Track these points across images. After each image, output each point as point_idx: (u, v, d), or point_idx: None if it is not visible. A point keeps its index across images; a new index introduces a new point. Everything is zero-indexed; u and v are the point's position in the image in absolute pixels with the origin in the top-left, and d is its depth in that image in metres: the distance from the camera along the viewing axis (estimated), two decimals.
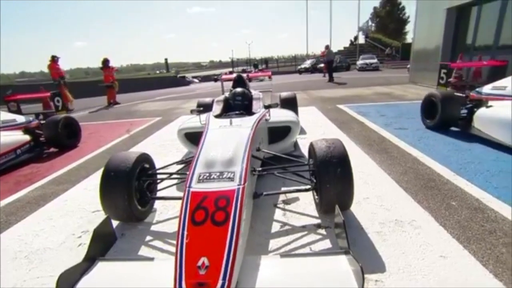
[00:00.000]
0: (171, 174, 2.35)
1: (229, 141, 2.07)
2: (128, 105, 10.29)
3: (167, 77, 29.44)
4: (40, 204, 2.76)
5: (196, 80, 33.31)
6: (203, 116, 2.90)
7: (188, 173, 1.78)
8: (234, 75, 4.22)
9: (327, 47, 14.66)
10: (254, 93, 3.57)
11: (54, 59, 9.57)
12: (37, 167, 3.95)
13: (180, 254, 1.32)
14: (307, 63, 27.45)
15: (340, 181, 1.88)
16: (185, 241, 1.36)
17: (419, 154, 3.34)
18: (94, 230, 1.65)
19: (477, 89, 3.90)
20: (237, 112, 3.02)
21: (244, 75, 4.27)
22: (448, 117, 3.98)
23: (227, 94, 3.66)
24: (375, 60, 24.33)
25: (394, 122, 4.93)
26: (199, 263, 1.27)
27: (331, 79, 13.63)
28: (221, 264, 1.26)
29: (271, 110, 2.98)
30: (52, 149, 4.68)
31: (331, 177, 1.87)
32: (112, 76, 10.49)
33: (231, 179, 1.66)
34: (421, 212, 2.12)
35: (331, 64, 14.33)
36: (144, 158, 2.20)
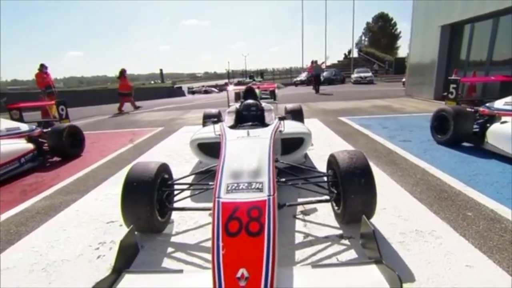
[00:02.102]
0: (191, 184, 2.34)
1: (251, 151, 2.08)
2: (126, 115, 10.26)
3: (164, 88, 29.42)
4: (50, 214, 2.70)
5: (215, 89, 31.36)
6: (216, 127, 2.92)
7: (214, 183, 1.78)
8: (243, 86, 4.27)
9: (314, 62, 15.61)
10: (265, 104, 3.61)
11: (41, 69, 9.21)
12: (41, 176, 3.88)
13: (217, 265, 1.30)
14: (303, 76, 27.89)
15: (365, 192, 1.90)
16: (221, 252, 1.35)
17: (426, 165, 3.40)
18: (120, 242, 1.63)
19: (487, 105, 3.93)
20: (250, 123, 3.04)
21: (255, 86, 4.32)
22: (461, 132, 3.98)
23: (237, 105, 3.69)
24: (369, 74, 24.90)
25: (398, 135, 5.01)
26: (238, 274, 1.26)
27: (317, 91, 14.88)
28: (261, 275, 1.26)
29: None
30: (55, 158, 4.61)
31: (356, 187, 1.89)
32: (129, 85, 11.31)
33: (260, 189, 1.67)
34: (439, 223, 2.15)
35: (318, 78, 15.43)
36: (164, 169, 2.19)
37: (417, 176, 3.12)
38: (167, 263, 1.85)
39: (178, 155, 4.32)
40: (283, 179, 2.14)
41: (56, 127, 4.62)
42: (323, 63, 15.44)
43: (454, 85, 4.58)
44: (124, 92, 11.06)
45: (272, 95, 5.69)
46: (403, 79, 15.34)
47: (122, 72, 11.13)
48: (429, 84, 9.87)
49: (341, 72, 28.83)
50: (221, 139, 2.49)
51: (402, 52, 44.19)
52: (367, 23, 47.59)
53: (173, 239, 2.12)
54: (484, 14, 7.59)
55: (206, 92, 29.64)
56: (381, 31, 45.57)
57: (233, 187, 1.69)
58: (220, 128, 2.81)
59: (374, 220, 2.16)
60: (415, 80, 10.91)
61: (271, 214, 1.50)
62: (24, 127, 4.56)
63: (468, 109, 4.12)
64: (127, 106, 11.37)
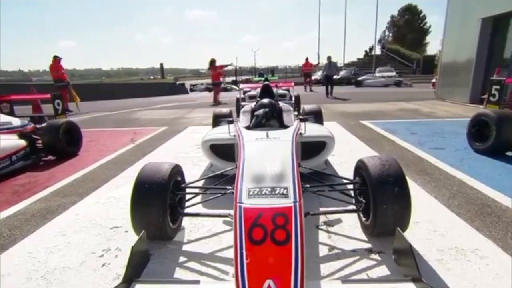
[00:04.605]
0: (207, 188, 2.38)
1: (273, 154, 2.12)
2: (125, 112, 10.47)
3: (165, 84, 29.67)
4: (47, 217, 2.76)
5: (235, 87, 26.68)
6: (230, 128, 2.97)
7: (234, 188, 1.82)
8: (257, 84, 4.32)
9: (328, 58, 14.35)
10: (283, 104, 3.66)
11: (57, 59, 10.13)
12: (35, 176, 3.97)
13: (241, 275, 1.33)
14: (318, 74, 27.82)
15: (398, 202, 1.91)
16: (245, 261, 1.38)
17: (464, 176, 3.38)
18: (132, 248, 1.66)
19: None
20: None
21: (273, 84, 4.37)
22: (505, 140, 3.89)
23: (252, 104, 3.74)
24: (393, 73, 24.84)
25: (428, 141, 5.00)
26: (265, 286, 1.28)
27: (329, 94, 13.50)
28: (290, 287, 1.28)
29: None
30: (49, 157, 4.71)
31: (388, 197, 1.91)
32: (220, 74, 12.63)
33: (285, 195, 1.70)
34: (483, 241, 2.14)
35: (331, 79, 14.06)
36: (178, 171, 2.24)
37: (454, 188, 3.11)
38: (179, 273, 1.89)
39: (185, 158, 4.39)
40: (307, 185, 2.17)
41: (52, 123, 4.72)
42: (318, 64, 14.04)
43: (497, 87, 4.51)
44: (216, 82, 12.36)
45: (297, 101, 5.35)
46: (433, 80, 15.25)
47: (212, 62, 12.10)
48: (464, 85, 9.79)
49: (361, 71, 28.76)
50: (237, 141, 2.53)
51: (431, 49, 43.85)
52: (392, 17, 47.42)
53: (185, 247, 2.16)
54: None
55: (225, 90, 27.63)
56: (408, 25, 45.26)
57: (256, 192, 1.73)
58: (235, 128, 2.86)
59: (407, 234, 2.16)
60: (447, 81, 10.85)
61: (298, 221, 1.53)
62: (16, 121, 4.67)
63: None
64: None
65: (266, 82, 4.29)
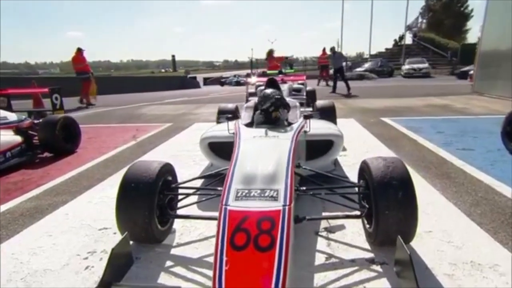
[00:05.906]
0: (198, 189, 2.42)
1: (268, 154, 2.14)
2: (131, 107, 10.77)
3: (176, 77, 30.05)
4: (36, 217, 2.87)
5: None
6: (231, 124, 3.00)
7: (223, 189, 1.84)
8: (265, 78, 4.34)
9: (332, 49, 13.69)
10: (289, 100, 3.65)
11: (80, 51, 10.92)
12: (29, 174, 4.13)
13: (219, 283, 1.36)
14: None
15: (402, 208, 1.88)
16: (224, 267, 1.40)
17: (493, 182, 3.27)
18: (112, 250, 1.72)
19: None
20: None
21: (279, 78, 4.37)
22: None
23: (256, 100, 3.76)
24: (425, 65, 24.22)
25: (456, 141, 4.87)
26: None
27: (348, 91, 12.52)
28: None
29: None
30: (46, 154, 4.88)
31: (390, 202, 1.88)
32: (277, 66, 13.21)
33: (274, 198, 1.71)
34: (506, 255, 2.05)
35: (341, 71, 13.20)
36: (168, 169, 2.29)
37: (478, 194, 3.02)
38: (164, 278, 1.93)
39: (186, 156, 4.48)
40: (304, 188, 2.17)
41: (49, 119, 4.90)
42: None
43: None
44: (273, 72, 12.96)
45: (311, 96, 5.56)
46: (470, 72, 14.76)
47: (270, 52, 13.20)
48: (506, 77, 9.40)
49: (388, 62, 28.21)
50: (234, 139, 2.56)
51: (472, 37, 42.06)
52: (427, 1, 45.77)
53: (173, 251, 2.21)
54: None
55: (238, 83, 27.21)
56: (446, 10, 43.44)
57: (244, 194, 1.75)
58: (235, 126, 2.89)
59: (416, 244, 2.14)
60: (487, 72, 10.50)
61: (285, 226, 1.54)
62: (12, 116, 4.85)
63: None
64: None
65: (271, 77, 4.30)
